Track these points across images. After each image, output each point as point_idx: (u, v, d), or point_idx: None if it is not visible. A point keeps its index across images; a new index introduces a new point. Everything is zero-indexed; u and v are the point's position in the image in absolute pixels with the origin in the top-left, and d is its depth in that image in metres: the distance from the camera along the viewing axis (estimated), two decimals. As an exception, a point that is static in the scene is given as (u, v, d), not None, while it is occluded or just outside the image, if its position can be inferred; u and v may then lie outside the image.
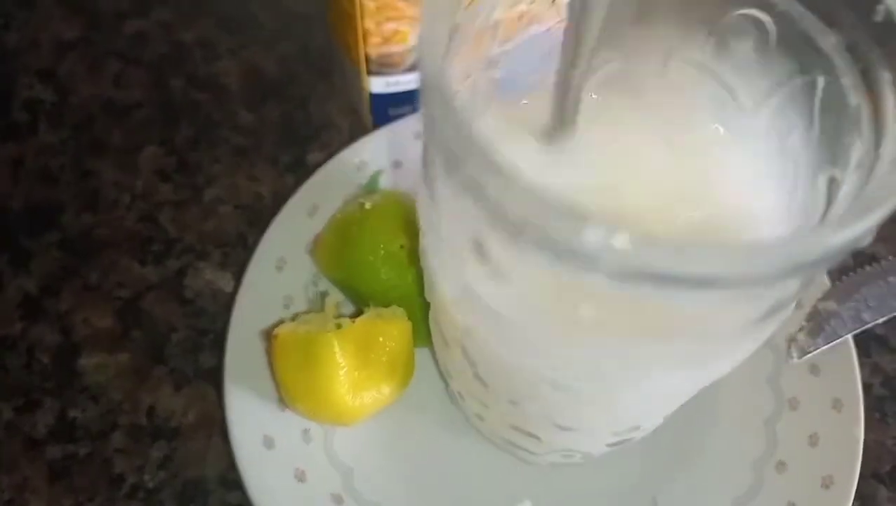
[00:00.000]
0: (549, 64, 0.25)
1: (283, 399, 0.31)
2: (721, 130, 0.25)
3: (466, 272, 0.20)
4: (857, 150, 0.20)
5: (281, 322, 0.32)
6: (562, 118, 0.22)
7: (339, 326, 0.29)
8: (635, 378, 0.22)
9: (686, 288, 0.16)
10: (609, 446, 0.29)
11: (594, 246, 0.15)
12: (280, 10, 0.48)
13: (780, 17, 0.21)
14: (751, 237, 0.23)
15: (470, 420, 0.32)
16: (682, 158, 0.24)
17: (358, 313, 0.31)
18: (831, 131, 0.21)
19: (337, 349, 0.28)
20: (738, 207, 0.23)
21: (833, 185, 0.21)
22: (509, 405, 0.26)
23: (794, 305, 0.21)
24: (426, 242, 0.23)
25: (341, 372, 0.28)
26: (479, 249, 0.19)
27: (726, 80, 0.24)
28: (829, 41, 0.20)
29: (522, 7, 0.24)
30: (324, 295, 0.33)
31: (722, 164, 0.24)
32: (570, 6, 0.20)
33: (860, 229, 0.16)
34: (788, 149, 0.23)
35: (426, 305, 0.30)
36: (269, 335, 0.32)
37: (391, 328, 0.30)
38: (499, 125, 0.24)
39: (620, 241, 0.15)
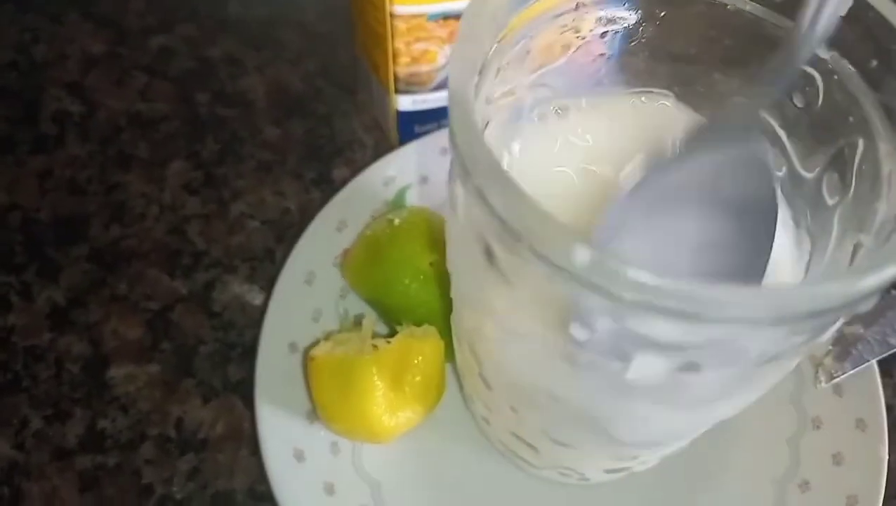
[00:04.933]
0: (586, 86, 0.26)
1: (320, 418, 0.31)
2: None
3: (478, 274, 0.21)
4: (881, 215, 0.19)
5: (316, 342, 0.32)
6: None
7: (375, 347, 0.30)
8: (625, 405, 0.22)
9: (671, 319, 0.16)
10: (607, 471, 0.30)
11: (580, 265, 0.16)
12: (304, 29, 0.48)
13: (829, 76, 0.21)
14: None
15: (478, 424, 0.33)
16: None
17: (392, 333, 0.31)
18: (864, 196, 0.21)
19: (375, 373, 0.29)
20: (773, 262, 0.22)
21: (857, 250, 0.20)
22: (510, 411, 0.26)
23: (796, 360, 0.21)
24: (449, 240, 0.24)
25: (378, 394, 0.29)
26: (489, 255, 0.20)
27: (777, 134, 0.24)
28: (871, 104, 0.20)
29: (560, 35, 0.24)
30: (359, 317, 0.34)
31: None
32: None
33: (843, 291, 0.16)
34: (827, 209, 0.22)
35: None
36: (304, 354, 0.32)
37: (425, 348, 0.30)
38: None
39: (608, 263, 0.15)
